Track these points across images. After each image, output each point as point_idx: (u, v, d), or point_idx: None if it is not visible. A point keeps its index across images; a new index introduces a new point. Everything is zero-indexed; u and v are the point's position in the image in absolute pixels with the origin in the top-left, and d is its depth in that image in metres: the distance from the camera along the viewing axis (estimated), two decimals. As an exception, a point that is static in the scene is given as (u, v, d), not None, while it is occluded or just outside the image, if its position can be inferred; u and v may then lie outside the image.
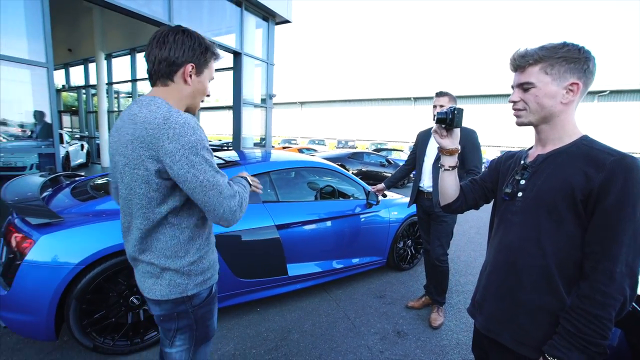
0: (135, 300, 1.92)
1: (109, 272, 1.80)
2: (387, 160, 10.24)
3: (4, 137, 4.27)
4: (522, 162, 0.98)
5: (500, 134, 23.70)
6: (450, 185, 1.15)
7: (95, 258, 1.74)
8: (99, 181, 2.63)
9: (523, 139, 22.56)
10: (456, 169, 1.14)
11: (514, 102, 0.93)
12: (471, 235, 4.98)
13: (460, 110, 1.08)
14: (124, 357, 1.93)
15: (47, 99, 3.86)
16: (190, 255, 1.01)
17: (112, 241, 1.79)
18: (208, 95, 1.08)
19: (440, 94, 2.40)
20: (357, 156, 9.59)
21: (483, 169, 1.68)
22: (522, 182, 0.95)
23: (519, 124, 0.95)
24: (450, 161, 1.13)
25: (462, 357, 2.17)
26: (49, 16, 3.76)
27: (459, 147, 1.13)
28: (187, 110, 1.04)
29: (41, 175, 2.61)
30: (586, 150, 0.84)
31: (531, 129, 0.97)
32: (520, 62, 0.89)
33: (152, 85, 1.01)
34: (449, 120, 1.08)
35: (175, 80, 0.98)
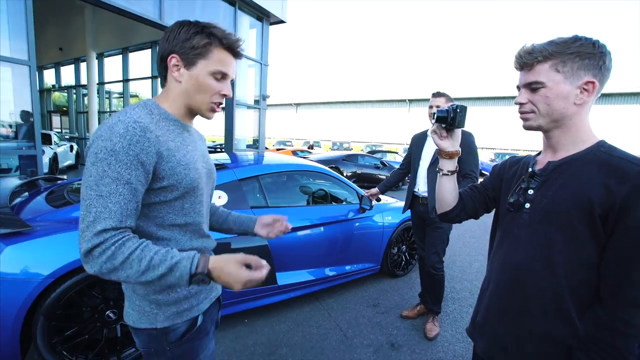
0: (111, 315, 1.79)
1: (82, 284, 1.67)
2: (382, 163, 10.18)
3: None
4: (530, 169, 0.88)
5: (495, 137, 23.84)
6: (449, 192, 1.04)
7: (67, 270, 1.61)
8: (78, 185, 2.50)
9: (519, 142, 22.66)
10: (455, 174, 1.04)
11: (521, 104, 0.84)
12: (466, 240, 4.90)
13: (464, 108, 0.96)
14: (100, 375, 1.80)
15: (29, 98, 3.72)
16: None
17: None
18: (224, 95, 0.89)
19: (437, 95, 2.31)
20: (351, 158, 9.52)
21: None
22: (531, 191, 0.85)
23: (527, 128, 0.85)
24: (449, 165, 1.03)
25: (458, 371, 2.08)
26: (32, 13, 3.62)
27: (460, 150, 1.03)
28: (192, 112, 0.90)
29: (20, 179, 2.48)
30: (605, 159, 0.75)
31: (535, 132, 0.88)
32: (528, 59, 0.80)
33: None
34: (450, 119, 0.97)
35: (169, 79, 0.85)
